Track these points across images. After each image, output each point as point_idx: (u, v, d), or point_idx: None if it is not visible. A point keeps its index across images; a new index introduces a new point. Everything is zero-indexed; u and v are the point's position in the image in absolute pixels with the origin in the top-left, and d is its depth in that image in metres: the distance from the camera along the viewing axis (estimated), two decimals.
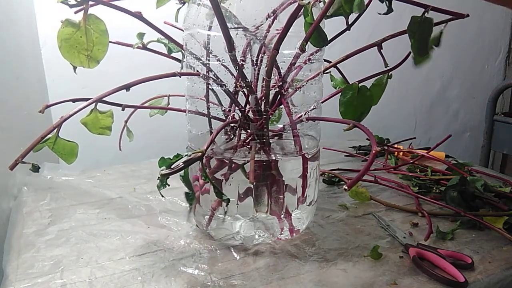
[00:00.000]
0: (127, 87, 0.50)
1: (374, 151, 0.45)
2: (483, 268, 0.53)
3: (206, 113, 0.55)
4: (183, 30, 0.56)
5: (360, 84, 0.55)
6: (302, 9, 0.45)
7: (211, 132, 0.56)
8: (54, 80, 0.97)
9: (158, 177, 0.42)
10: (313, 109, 0.56)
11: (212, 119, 0.56)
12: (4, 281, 0.51)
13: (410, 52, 0.50)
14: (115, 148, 0.66)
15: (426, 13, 0.46)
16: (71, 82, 0.89)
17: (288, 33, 0.47)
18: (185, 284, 0.49)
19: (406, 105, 1.34)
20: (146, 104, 0.66)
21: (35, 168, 0.52)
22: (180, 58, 0.62)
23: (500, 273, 0.52)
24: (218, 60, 0.52)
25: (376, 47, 0.54)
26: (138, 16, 0.50)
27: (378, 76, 0.57)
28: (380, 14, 0.45)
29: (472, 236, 0.61)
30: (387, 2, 0.45)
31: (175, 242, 0.58)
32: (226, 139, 0.57)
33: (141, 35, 0.58)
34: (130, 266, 0.53)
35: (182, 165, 0.42)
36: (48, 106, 0.52)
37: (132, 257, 0.55)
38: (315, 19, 0.45)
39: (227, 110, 0.55)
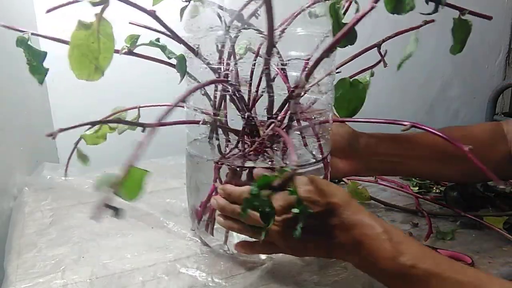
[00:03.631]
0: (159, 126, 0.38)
1: None
2: (483, 268, 0.53)
3: (211, 120, 0.53)
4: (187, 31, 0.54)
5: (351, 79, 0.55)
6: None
7: (217, 139, 0.53)
8: (54, 80, 0.97)
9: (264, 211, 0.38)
10: (326, 111, 0.54)
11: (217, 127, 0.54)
12: (5, 281, 0.51)
13: (385, 52, 0.54)
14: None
15: (462, 15, 0.49)
16: (71, 81, 0.90)
17: (299, 33, 0.46)
18: (185, 284, 0.49)
19: (406, 105, 1.34)
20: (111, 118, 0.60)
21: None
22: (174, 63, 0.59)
23: (500, 273, 0.52)
24: (229, 64, 0.50)
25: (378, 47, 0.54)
26: (152, 14, 0.46)
27: (364, 73, 0.57)
28: (422, 14, 0.46)
29: (472, 236, 0.61)
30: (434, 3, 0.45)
31: (176, 242, 0.59)
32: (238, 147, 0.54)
33: (132, 38, 0.52)
34: (131, 266, 0.53)
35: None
36: (62, 130, 0.49)
37: (133, 257, 0.55)
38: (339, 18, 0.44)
39: (245, 116, 0.51)
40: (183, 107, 0.58)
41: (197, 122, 0.52)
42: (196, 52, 0.50)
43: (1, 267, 0.56)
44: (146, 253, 0.56)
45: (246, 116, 0.50)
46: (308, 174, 0.47)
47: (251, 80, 0.51)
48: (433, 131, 0.47)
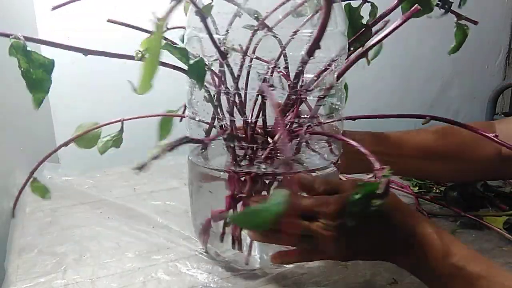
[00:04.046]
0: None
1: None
2: None
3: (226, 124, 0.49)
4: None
5: None
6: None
7: (232, 147, 0.49)
8: (54, 80, 0.97)
9: None
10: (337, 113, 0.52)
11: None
12: (6, 281, 0.51)
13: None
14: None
15: (459, 20, 0.51)
16: (70, 81, 0.90)
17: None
18: (186, 284, 0.49)
19: (406, 105, 1.34)
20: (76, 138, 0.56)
21: None
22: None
23: None
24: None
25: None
26: (201, 15, 0.42)
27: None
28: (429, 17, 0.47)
29: (472, 236, 0.61)
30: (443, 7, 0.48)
31: (177, 242, 0.59)
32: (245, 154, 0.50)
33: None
34: (131, 265, 0.53)
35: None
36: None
37: (133, 257, 0.55)
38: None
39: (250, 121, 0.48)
40: (184, 117, 0.56)
41: (230, 131, 0.49)
42: (225, 56, 0.46)
43: (2, 267, 0.56)
44: (147, 253, 0.56)
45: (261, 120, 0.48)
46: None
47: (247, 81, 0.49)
48: (454, 121, 0.51)
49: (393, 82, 1.27)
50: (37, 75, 0.38)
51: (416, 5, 0.41)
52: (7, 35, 0.37)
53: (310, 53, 0.40)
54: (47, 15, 0.93)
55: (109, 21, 0.49)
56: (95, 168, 0.89)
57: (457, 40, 0.53)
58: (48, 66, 0.38)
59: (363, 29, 0.50)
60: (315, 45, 0.39)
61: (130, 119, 0.57)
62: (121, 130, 0.56)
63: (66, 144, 0.55)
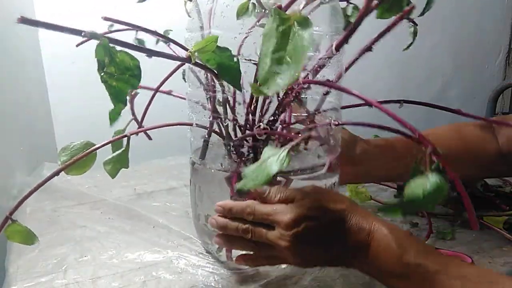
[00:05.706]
0: None
1: None
2: None
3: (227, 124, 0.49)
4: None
5: None
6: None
7: (233, 147, 0.49)
8: (54, 80, 0.97)
9: None
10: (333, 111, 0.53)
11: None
12: (7, 281, 0.51)
13: None
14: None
15: None
16: (70, 81, 0.90)
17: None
18: (187, 284, 0.49)
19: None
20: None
21: None
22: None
23: (500, 273, 0.52)
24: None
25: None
26: None
27: None
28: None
29: (472, 236, 0.62)
30: None
31: (177, 241, 0.59)
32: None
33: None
34: (132, 265, 0.53)
35: None
36: None
37: (134, 257, 0.55)
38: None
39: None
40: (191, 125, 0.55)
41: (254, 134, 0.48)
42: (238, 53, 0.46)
43: (3, 267, 0.56)
44: (147, 252, 0.56)
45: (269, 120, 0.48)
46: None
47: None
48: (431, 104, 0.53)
49: (392, 82, 1.27)
50: (122, 81, 0.32)
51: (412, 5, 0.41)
52: (79, 32, 0.30)
53: (338, 47, 0.41)
54: (47, 15, 0.93)
55: (104, 19, 0.47)
56: (95, 168, 0.89)
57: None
58: (134, 70, 0.31)
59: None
60: (344, 40, 0.40)
61: (136, 132, 0.52)
62: (127, 147, 0.48)
63: (57, 173, 0.48)
